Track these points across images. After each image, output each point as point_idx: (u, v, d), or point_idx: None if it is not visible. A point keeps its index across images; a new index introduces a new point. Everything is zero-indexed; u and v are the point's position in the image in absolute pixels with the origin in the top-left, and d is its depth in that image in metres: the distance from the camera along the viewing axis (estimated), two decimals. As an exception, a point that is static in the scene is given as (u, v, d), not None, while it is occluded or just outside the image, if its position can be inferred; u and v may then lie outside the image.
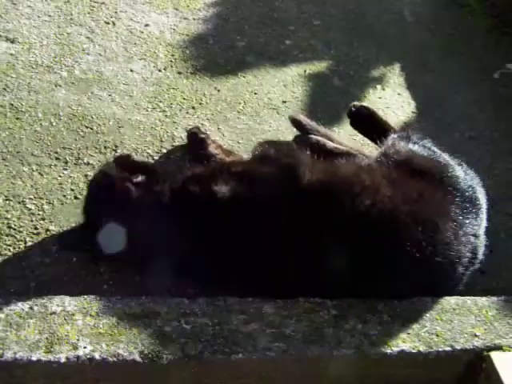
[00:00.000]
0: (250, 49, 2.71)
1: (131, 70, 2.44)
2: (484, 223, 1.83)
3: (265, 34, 2.83)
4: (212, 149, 1.98)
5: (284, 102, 2.45)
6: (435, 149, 1.99)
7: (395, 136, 2.01)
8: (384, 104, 2.59)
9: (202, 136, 2.03)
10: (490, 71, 2.96)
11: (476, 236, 1.74)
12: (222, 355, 1.42)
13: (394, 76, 2.78)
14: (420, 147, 1.96)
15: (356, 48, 2.89)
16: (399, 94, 2.68)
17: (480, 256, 1.78)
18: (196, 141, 2.02)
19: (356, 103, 2.24)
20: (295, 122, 2.24)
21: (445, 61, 2.94)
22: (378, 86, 2.69)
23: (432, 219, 1.65)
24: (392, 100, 2.63)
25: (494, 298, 1.75)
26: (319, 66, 2.71)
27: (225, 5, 2.97)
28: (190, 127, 2.14)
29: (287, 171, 1.67)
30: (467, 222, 1.71)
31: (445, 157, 1.97)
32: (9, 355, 1.33)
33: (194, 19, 2.82)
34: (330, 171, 1.74)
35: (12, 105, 2.17)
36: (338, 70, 2.71)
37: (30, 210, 1.84)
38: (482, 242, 1.78)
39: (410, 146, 1.96)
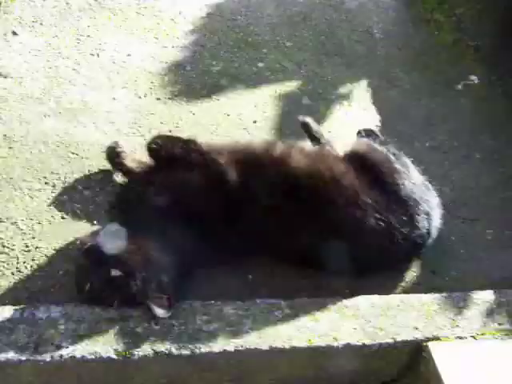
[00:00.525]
0: (225, 73, 2.93)
1: (114, 98, 2.66)
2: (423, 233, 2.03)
3: (239, 58, 3.04)
4: (127, 161, 2.18)
5: (254, 121, 2.65)
6: (392, 156, 2.19)
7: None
8: (350, 119, 2.78)
9: (118, 150, 2.21)
10: (454, 83, 3.15)
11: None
12: (186, 351, 1.62)
13: (361, 92, 2.98)
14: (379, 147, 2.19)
15: (325, 67, 3.09)
16: (365, 109, 2.87)
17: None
18: (113, 155, 2.23)
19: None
20: (304, 125, 2.49)
21: (410, 75, 3.14)
22: (345, 103, 2.89)
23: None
24: (357, 115, 2.83)
25: (437, 295, 1.94)
26: (289, 86, 2.92)
27: (202, 32, 3.19)
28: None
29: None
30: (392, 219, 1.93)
31: (397, 166, 2.16)
32: (2, 356, 1.55)
33: (172, 47, 3.04)
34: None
35: (5, 135, 2.39)
36: (307, 89, 2.92)
37: (22, 229, 2.05)
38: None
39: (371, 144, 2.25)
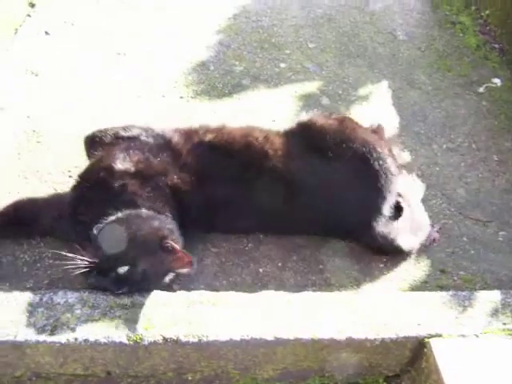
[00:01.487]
0: (247, 73, 3.01)
1: (138, 96, 2.77)
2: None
3: (261, 59, 3.12)
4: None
5: (273, 120, 2.71)
6: None
7: None
8: (368, 120, 2.81)
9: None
10: (476, 86, 3.16)
11: None
12: (193, 339, 1.70)
13: (381, 93, 3.01)
14: None
15: (347, 68, 3.14)
16: (384, 111, 2.91)
17: None
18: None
19: None
20: None
21: (432, 77, 3.16)
22: (365, 103, 2.93)
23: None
24: (376, 116, 2.86)
25: (443, 293, 1.97)
26: (310, 87, 2.98)
27: (227, 32, 3.28)
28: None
29: None
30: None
31: None
32: (21, 336, 1.65)
33: (197, 47, 3.13)
34: None
35: (34, 130, 2.52)
36: (328, 90, 2.97)
37: (45, 220, 2.15)
38: None
39: None
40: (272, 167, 2.06)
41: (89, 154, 2.19)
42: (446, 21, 3.61)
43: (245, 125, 2.26)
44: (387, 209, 2.12)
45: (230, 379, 1.83)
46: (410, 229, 2.17)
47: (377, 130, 2.38)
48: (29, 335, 1.66)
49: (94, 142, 2.16)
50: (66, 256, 1.74)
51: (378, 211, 2.10)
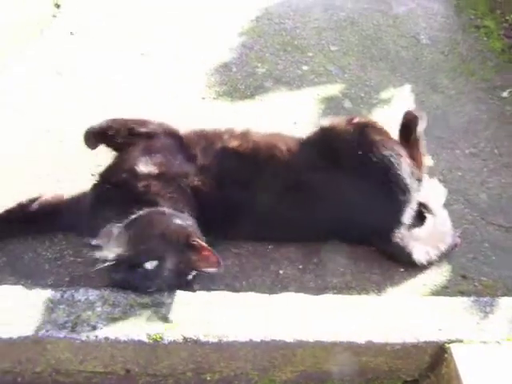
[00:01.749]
0: (269, 75, 3.01)
1: (160, 97, 2.80)
2: None
3: (284, 61, 3.12)
4: None
5: (295, 123, 2.72)
6: None
7: None
8: (390, 124, 2.80)
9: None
10: (500, 91, 3.13)
11: None
12: (213, 339, 1.70)
13: (403, 97, 3.00)
14: None
15: (369, 72, 3.13)
16: (406, 114, 2.89)
17: None
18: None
19: None
20: None
21: (455, 81, 3.15)
22: (386, 107, 2.92)
23: None
24: (398, 120, 2.84)
25: (464, 298, 1.95)
26: (332, 90, 2.98)
27: (250, 34, 3.29)
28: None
29: None
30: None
31: None
32: (42, 332, 1.66)
33: (220, 48, 3.15)
34: None
35: (59, 129, 2.54)
36: (350, 93, 2.97)
37: (67, 218, 2.17)
38: None
39: None
40: (294, 177, 2.07)
41: (94, 146, 2.20)
42: (470, 25, 3.58)
43: (269, 132, 2.24)
44: (407, 219, 2.11)
45: (248, 380, 1.83)
46: (431, 240, 2.15)
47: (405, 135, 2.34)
48: (50, 331, 1.67)
49: (105, 135, 2.17)
50: (92, 247, 1.74)
51: (396, 222, 2.10)
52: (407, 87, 3.06)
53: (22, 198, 2.12)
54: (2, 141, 2.48)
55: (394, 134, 2.59)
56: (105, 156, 2.34)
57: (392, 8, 3.65)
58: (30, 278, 1.96)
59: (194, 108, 2.74)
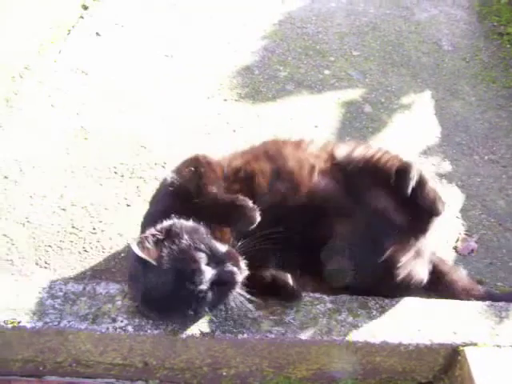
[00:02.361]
0: (291, 78, 3.05)
1: (183, 97, 2.84)
2: None
3: (306, 65, 3.15)
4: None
5: (316, 126, 2.74)
6: None
7: None
8: (410, 129, 2.83)
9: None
10: (521, 98, 3.13)
11: None
12: (230, 334, 1.74)
13: (424, 103, 3.01)
14: None
15: (390, 77, 3.15)
16: (426, 120, 2.91)
17: None
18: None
19: None
20: None
21: (475, 88, 3.15)
22: (407, 112, 2.94)
23: None
24: (418, 125, 2.87)
25: (480, 303, 1.96)
26: (353, 94, 3.00)
27: (272, 38, 3.33)
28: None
29: None
30: None
31: None
32: (65, 323, 1.71)
33: (243, 51, 3.19)
34: None
35: (82, 127, 2.62)
36: (370, 98, 2.99)
37: (90, 213, 2.23)
38: None
39: None
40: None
41: None
42: (492, 32, 3.58)
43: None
44: None
45: (264, 377, 1.86)
46: None
47: None
48: (71, 322, 1.72)
49: None
50: None
51: None
52: (428, 93, 3.07)
53: (52, 190, 2.18)
54: (31, 138, 2.54)
55: (414, 141, 2.64)
56: (127, 155, 2.40)
57: (414, 14, 3.67)
58: (53, 270, 2.00)
59: (216, 109, 2.78)
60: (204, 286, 1.60)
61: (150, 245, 1.63)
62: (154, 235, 1.66)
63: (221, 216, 1.78)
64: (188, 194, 1.80)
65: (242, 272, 1.67)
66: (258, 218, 1.73)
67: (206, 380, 1.87)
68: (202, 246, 1.65)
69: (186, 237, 1.65)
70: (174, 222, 1.71)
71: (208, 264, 1.63)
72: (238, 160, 1.97)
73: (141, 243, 1.62)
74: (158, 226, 1.70)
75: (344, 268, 1.87)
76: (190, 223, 1.71)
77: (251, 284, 1.71)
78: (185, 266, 1.60)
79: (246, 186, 1.90)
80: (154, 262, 1.59)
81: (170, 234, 1.66)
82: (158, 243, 1.64)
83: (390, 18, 3.62)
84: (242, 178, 1.93)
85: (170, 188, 1.84)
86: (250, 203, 1.75)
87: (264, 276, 1.82)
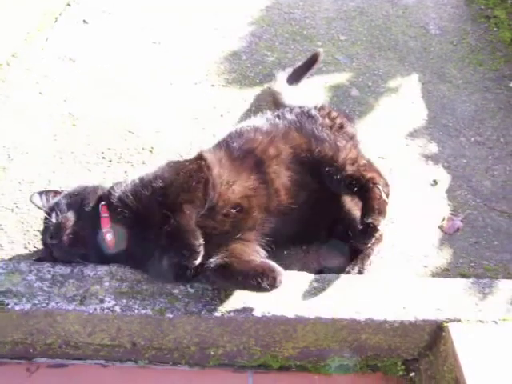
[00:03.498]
0: (279, 63, 3.06)
1: (170, 83, 2.85)
2: None
3: (293, 50, 3.16)
4: None
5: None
6: None
7: None
8: (397, 112, 2.85)
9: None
10: (507, 81, 3.15)
11: None
12: (217, 313, 1.76)
13: (411, 86, 3.03)
14: None
15: (377, 61, 3.17)
16: (413, 103, 2.93)
17: None
18: None
19: None
20: None
21: (462, 71, 3.17)
22: (394, 96, 2.96)
23: None
24: (405, 108, 2.89)
25: (464, 280, 1.99)
26: (340, 78, 3.01)
27: (260, 24, 3.34)
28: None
29: None
30: None
31: None
32: (53, 304, 1.73)
33: (230, 37, 3.20)
34: None
35: (70, 113, 2.63)
36: (357, 82, 3.01)
37: (79, 198, 2.24)
38: None
39: None
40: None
41: None
42: (480, 15, 3.60)
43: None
44: None
45: (251, 355, 1.89)
46: None
47: None
48: (59, 303, 1.74)
49: None
50: None
51: None
52: (415, 77, 3.09)
53: (40, 176, 2.19)
54: (19, 125, 2.55)
55: (401, 123, 2.65)
56: (115, 140, 2.41)
57: (402, -2, 3.68)
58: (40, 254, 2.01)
59: (203, 94, 2.80)
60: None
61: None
62: None
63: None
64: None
65: None
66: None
67: (193, 359, 1.90)
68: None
69: None
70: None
71: None
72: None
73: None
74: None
75: None
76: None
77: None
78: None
79: None
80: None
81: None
82: None
83: (378, 2, 3.63)
84: None
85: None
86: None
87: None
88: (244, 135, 2.09)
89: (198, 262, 1.70)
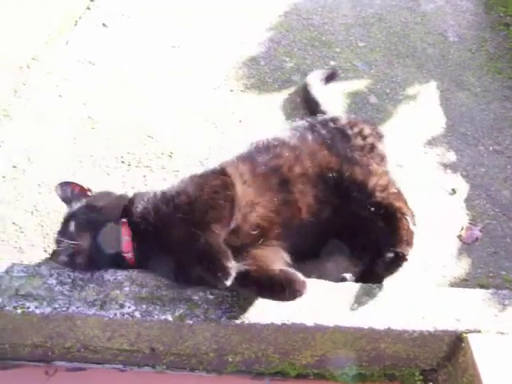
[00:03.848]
0: (297, 69, 3.06)
1: (189, 88, 2.86)
2: None
3: (312, 56, 3.16)
4: None
5: (321, 117, 2.75)
6: None
7: None
8: (415, 119, 2.84)
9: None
10: (527, 89, 3.13)
11: None
12: (236, 320, 1.76)
13: (429, 94, 3.02)
14: None
15: (395, 68, 3.16)
16: (431, 111, 2.91)
17: None
18: None
19: None
20: None
21: (481, 79, 3.15)
22: (412, 103, 2.94)
23: None
24: (423, 116, 2.88)
25: (483, 291, 1.98)
26: (358, 85, 3.00)
27: (278, 29, 3.34)
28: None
29: None
30: None
31: None
32: (73, 308, 1.74)
33: (248, 42, 3.20)
34: None
35: (89, 117, 2.64)
36: (376, 89, 3.00)
37: (98, 202, 2.25)
38: None
39: None
40: None
41: None
42: (499, 23, 3.57)
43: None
44: None
45: (269, 363, 1.89)
46: None
47: None
48: (80, 308, 1.75)
49: None
50: None
51: None
52: (433, 84, 3.07)
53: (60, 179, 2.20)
54: (39, 127, 2.57)
55: (419, 131, 2.65)
56: (134, 144, 2.42)
57: (420, 5, 3.67)
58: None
59: (222, 99, 2.80)
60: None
61: None
62: None
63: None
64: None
65: None
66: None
67: (211, 366, 1.90)
68: None
69: None
70: None
71: None
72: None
73: None
74: None
75: None
76: None
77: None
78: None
79: None
80: None
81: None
82: None
83: (396, 9, 3.62)
84: None
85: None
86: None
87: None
88: (270, 150, 2.08)
89: (229, 283, 1.66)
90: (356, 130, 2.26)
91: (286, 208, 1.95)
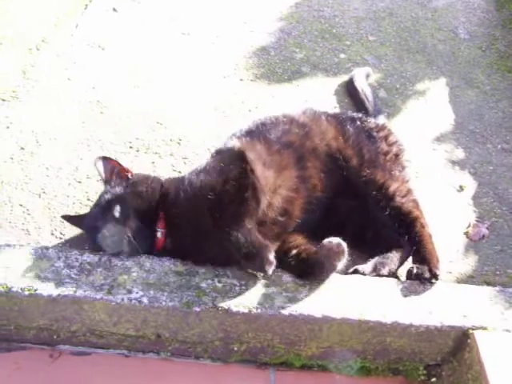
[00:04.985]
0: (307, 61, 3.04)
1: (199, 76, 2.85)
2: None
3: (322, 48, 3.15)
4: None
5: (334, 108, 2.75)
6: None
7: None
8: (424, 115, 2.83)
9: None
10: (537, 88, 3.12)
11: None
12: (243, 309, 1.76)
13: (438, 90, 3.01)
14: None
15: (405, 63, 3.15)
16: (440, 107, 2.91)
17: None
18: None
19: None
20: None
21: (491, 77, 3.14)
22: (422, 99, 2.94)
23: None
24: (432, 112, 2.87)
25: (490, 288, 1.98)
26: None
27: (289, 20, 3.32)
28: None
29: None
30: None
31: None
32: (80, 292, 1.73)
33: (259, 32, 3.19)
34: None
35: (98, 101, 2.63)
36: (385, 83, 2.99)
37: (106, 187, 2.24)
38: None
39: None
40: None
41: None
42: (510, 21, 3.56)
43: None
44: None
45: (274, 353, 1.88)
46: None
47: None
48: (87, 292, 1.74)
49: None
50: None
51: None
52: (442, 81, 3.07)
53: (67, 162, 2.20)
54: (48, 110, 2.55)
55: (428, 126, 2.64)
56: (143, 130, 2.41)
57: (431, 1, 3.65)
58: (69, 242, 2.01)
59: (232, 88, 2.79)
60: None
61: None
62: None
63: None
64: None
65: None
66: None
67: (216, 354, 1.90)
68: None
69: None
70: None
71: None
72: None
73: None
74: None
75: None
76: None
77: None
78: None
79: None
80: None
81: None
82: None
83: (407, 4, 3.61)
84: None
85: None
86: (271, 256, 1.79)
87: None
88: (280, 126, 2.09)
89: (271, 272, 1.77)
90: (382, 133, 2.28)
91: (303, 185, 2.01)
